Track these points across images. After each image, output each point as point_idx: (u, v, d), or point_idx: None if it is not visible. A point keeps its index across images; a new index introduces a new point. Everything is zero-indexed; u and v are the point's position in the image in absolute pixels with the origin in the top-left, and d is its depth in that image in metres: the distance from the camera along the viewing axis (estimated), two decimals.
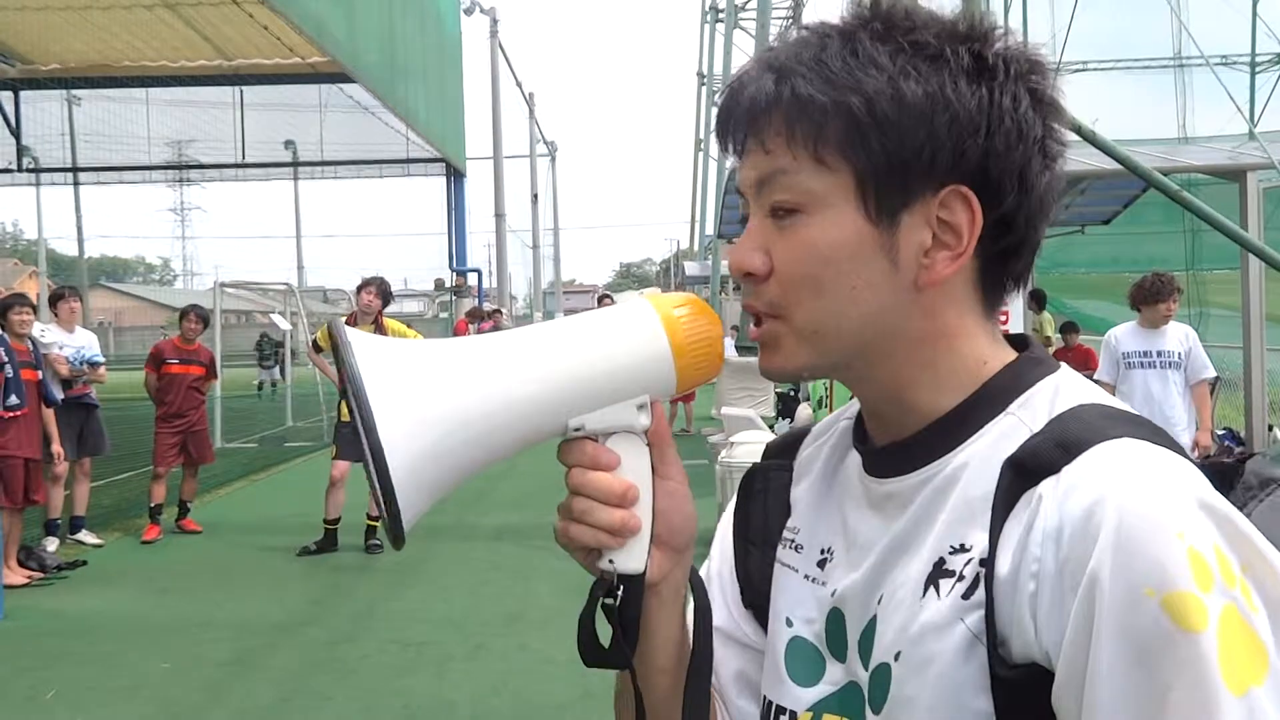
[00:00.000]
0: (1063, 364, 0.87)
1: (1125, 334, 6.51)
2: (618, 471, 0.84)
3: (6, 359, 7.03)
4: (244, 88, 18.88)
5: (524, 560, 7.76)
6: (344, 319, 8.18)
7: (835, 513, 0.94)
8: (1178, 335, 6.39)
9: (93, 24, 14.57)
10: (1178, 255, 14.24)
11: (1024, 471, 0.76)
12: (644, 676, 0.91)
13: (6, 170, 18.51)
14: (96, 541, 8.39)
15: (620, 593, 0.85)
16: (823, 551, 0.93)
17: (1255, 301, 7.03)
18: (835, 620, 0.89)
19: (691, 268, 32.46)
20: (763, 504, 1.01)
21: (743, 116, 0.84)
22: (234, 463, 13.00)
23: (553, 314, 32.70)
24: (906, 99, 0.79)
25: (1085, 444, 0.74)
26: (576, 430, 0.82)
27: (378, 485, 0.73)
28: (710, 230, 28.31)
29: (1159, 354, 6.33)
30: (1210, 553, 0.67)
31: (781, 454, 1.04)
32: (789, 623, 0.93)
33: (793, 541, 0.97)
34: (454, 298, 21.96)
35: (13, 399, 7.02)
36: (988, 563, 0.75)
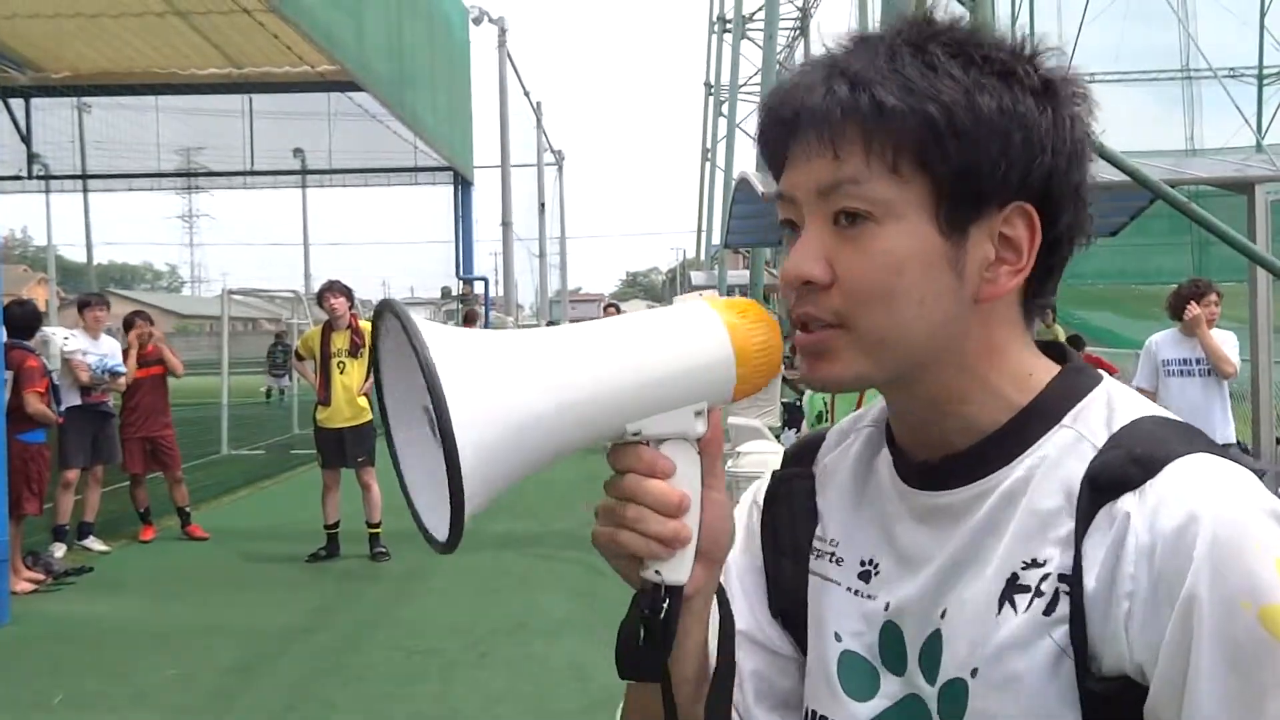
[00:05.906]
0: (1105, 373, 0.88)
1: (1165, 341, 6.42)
2: (671, 480, 0.81)
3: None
4: (253, 96, 18.96)
5: (530, 568, 7.76)
6: (317, 330, 8.17)
7: (875, 525, 0.93)
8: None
9: (104, 31, 14.61)
10: (1184, 267, 14.19)
11: (1101, 488, 0.77)
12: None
13: (17, 177, 18.59)
14: (104, 548, 8.41)
15: (665, 605, 0.82)
16: (864, 564, 0.93)
17: (1263, 314, 7.00)
18: (890, 633, 0.89)
19: (698, 277, 32.42)
20: (789, 512, 1.00)
21: (806, 121, 0.82)
22: (240, 470, 13.04)
23: (558, 322, 32.60)
24: (982, 112, 0.79)
25: (1161, 460, 0.76)
26: (634, 435, 0.79)
27: (448, 478, 0.68)
28: (717, 240, 28.29)
29: (1198, 361, 6.23)
30: None
31: (799, 461, 1.03)
32: (838, 637, 0.92)
33: (831, 554, 0.96)
34: (460, 306, 21.97)
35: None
36: (1071, 579, 0.77)
